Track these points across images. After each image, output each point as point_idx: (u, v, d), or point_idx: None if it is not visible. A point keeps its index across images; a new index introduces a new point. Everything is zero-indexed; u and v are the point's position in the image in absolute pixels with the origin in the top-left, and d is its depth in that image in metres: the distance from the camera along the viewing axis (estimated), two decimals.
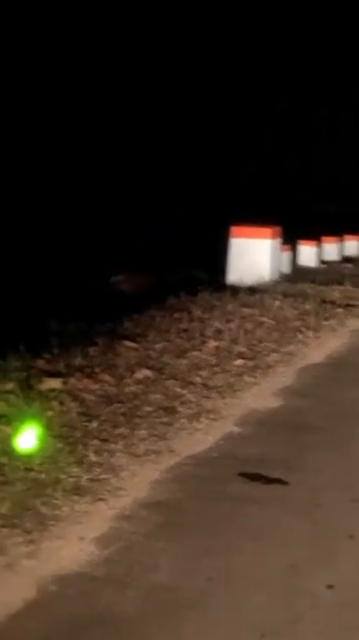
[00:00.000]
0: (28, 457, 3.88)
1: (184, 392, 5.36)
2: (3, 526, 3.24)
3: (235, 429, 4.80)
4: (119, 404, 4.92)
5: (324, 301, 9.88)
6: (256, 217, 12.16)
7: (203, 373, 5.90)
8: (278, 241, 12.43)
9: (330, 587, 2.96)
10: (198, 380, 5.72)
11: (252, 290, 10.28)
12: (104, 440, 4.29)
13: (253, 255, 11.58)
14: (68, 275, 9.76)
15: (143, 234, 10.35)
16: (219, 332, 7.33)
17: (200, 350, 6.60)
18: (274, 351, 6.97)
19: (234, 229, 11.92)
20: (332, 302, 9.93)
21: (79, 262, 10.35)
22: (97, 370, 5.52)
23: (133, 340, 6.52)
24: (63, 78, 12.37)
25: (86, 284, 9.37)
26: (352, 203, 27.43)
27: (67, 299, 8.63)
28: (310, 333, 7.87)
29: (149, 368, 5.77)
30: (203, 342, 6.87)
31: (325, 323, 8.63)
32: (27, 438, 4.05)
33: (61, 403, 4.74)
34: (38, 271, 9.77)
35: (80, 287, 9.13)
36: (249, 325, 7.81)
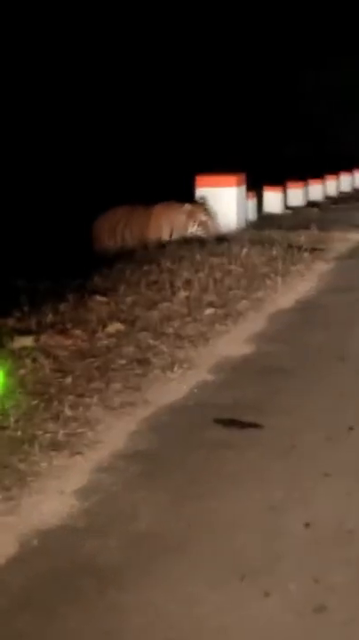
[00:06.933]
0: (3, 415, 3.89)
1: (156, 343, 5.38)
2: None
3: (209, 377, 4.84)
4: (92, 359, 4.93)
5: (291, 246, 9.91)
6: (220, 164, 12.12)
7: (175, 324, 5.92)
8: (243, 188, 12.39)
9: (307, 525, 3.02)
10: (170, 330, 5.74)
11: (220, 239, 10.28)
12: (79, 395, 4.31)
13: (219, 204, 11.55)
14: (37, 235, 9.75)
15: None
16: (188, 282, 7.34)
17: (171, 301, 6.61)
18: (243, 298, 7.00)
19: (198, 179, 11.85)
20: (299, 247, 9.97)
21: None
22: (69, 325, 5.52)
23: (104, 295, 6.52)
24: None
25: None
26: (314, 145, 27.35)
27: (35, 258, 8.58)
28: (278, 279, 7.90)
29: (121, 321, 5.78)
30: (174, 293, 6.88)
31: (293, 268, 8.66)
32: (1, 397, 4.06)
33: (34, 360, 4.75)
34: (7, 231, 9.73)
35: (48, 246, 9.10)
36: (218, 274, 7.83)
